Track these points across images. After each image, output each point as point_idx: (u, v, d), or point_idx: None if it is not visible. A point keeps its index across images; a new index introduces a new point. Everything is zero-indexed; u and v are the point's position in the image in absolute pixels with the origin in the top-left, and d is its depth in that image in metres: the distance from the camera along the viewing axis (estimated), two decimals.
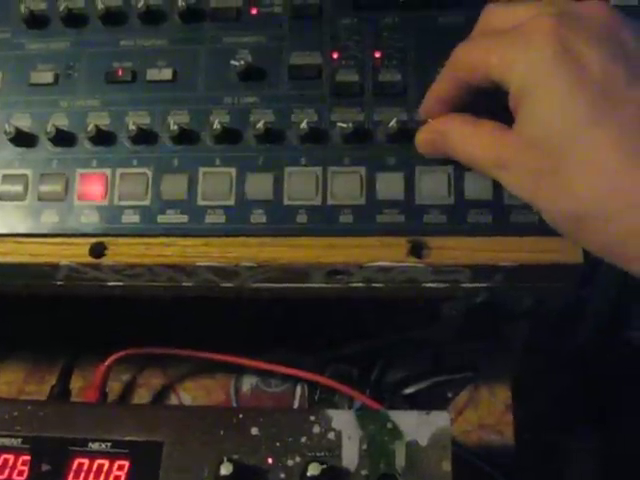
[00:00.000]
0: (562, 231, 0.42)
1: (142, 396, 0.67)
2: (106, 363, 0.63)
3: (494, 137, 0.43)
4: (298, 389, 0.67)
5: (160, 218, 0.50)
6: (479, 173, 0.46)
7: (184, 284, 0.51)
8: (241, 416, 0.54)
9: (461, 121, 0.45)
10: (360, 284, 0.50)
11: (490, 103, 0.44)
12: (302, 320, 0.68)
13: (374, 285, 0.50)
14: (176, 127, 0.49)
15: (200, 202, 0.49)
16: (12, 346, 0.70)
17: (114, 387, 0.66)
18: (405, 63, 0.50)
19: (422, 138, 0.48)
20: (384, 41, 0.50)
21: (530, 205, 0.43)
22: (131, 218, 0.50)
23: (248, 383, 0.67)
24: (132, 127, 0.50)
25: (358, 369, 0.67)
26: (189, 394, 0.67)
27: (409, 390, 0.66)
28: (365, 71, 0.50)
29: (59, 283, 0.52)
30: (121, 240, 0.50)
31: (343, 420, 0.53)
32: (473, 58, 0.43)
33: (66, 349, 0.68)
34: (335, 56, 0.51)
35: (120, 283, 0.51)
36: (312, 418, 0.54)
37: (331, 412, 0.54)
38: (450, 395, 0.66)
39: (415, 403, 0.65)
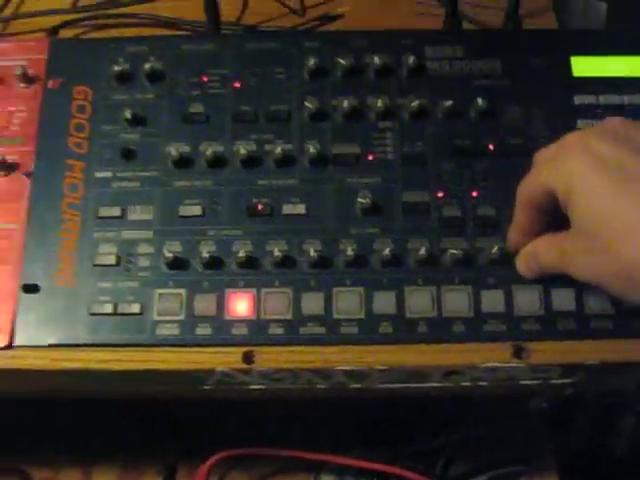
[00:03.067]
0: (620, 293, 0.58)
1: None
2: (208, 463, 0.75)
3: (557, 239, 0.61)
4: None
5: (302, 330, 0.64)
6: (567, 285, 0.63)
7: (318, 386, 0.65)
8: None
9: (541, 239, 0.62)
10: (468, 383, 0.65)
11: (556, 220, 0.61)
12: (367, 420, 0.82)
13: (479, 383, 0.65)
14: (315, 254, 0.64)
15: (335, 316, 0.64)
16: (102, 450, 0.81)
17: None
18: (498, 200, 0.66)
19: (520, 264, 0.64)
20: (479, 182, 0.67)
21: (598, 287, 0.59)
22: (276, 330, 0.64)
23: None
24: (277, 254, 0.64)
25: (422, 465, 0.81)
26: None
27: None
28: (466, 207, 0.66)
29: (207, 388, 0.65)
30: (268, 349, 0.64)
31: None
32: (531, 183, 0.61)
33: (155, 451, 0.80)
34: (440, 195, 0.67)
35: (263, 386, 0.65)
36: None
37: None
38: None
39: None
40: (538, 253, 0.63)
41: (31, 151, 0.71)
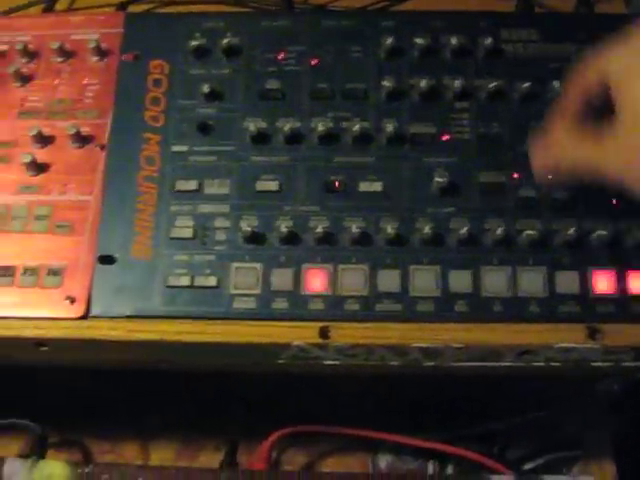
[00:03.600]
0: None
1: None
2: (270, 439, 0.76)
3: (593, 133, 0.59)
4: (430, 466, 0.81)
5: (378, 306, 0.65)
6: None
7: (392, 363, 0.66)
8: None
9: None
10: (541, 363, 0.66)
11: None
12: (427, 401, 0.83)
13: (552, 364, 0.66)
14: (392, 231, 0.65)
15: (411, 293, 0.65)
16: (160, 424, 0.82)
17: None
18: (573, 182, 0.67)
19: (537, 154, 0.64)
20: None
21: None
22: (352, 306, 0.65)
23: (384, 460, 0.81)
24: (355, 230, 0.65)
25: (480, 447, 0.82)
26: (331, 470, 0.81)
27: (529, 466, 0.81)
28: (541, 189, 0.67)
29: (282, 362, 0.66)
30: (344, 324, 0.64)
31: None
32: (587, 66, 0.60)
33: (213, 426, 0.81)
34: (515, 176, 0.67)
35: (337, 362, 0.66)
36: None
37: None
38: (565, 470, 0.81)
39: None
40: (564, 144, 0.62)
41: (105, 124, 0.72)
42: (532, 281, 0.65)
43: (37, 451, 0.75)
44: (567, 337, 0.64)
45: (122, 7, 0.80)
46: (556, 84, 0.69)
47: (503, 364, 0.65)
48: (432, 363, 0.65)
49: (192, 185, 0.67)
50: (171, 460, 0.81)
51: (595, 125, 0.60)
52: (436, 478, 0.80)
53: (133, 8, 0.81)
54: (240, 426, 0.81)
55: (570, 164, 0.61)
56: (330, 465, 0.81)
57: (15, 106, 0.74)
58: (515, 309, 0.64)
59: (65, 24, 0.77)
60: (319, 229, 0.65)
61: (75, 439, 0.82)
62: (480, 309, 0.64)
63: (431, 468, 0.81)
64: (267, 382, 0.80)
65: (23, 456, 0.74)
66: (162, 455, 0.82)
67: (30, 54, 0.75)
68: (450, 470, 0.80)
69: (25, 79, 0.74)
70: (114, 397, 0.82)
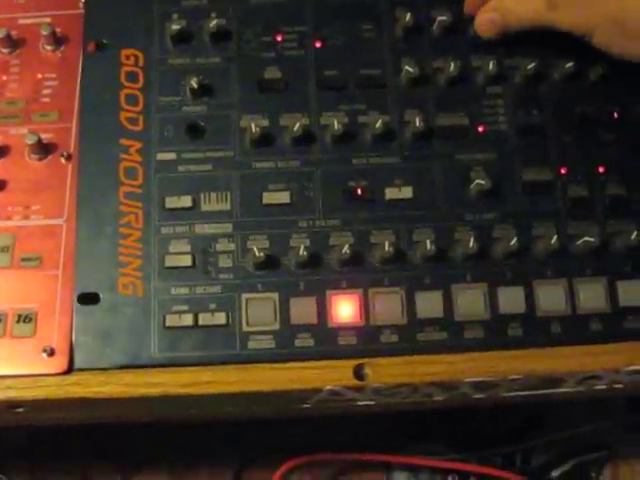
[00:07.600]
0: (606, 42, 0.53)
1: None
2: (280, 470, 0.63)
3: None
4: None
5: (419, 336, 0.52)
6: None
7: (435, 399, 0.53)
8: None
9: None
10: (603, 387, 0.54)
11: None
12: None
13: (615, 386, 0.54)
14: (431, 246, 0.51)
15: (457, 318, 0.52)
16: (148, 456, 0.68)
17: None
18: (627, 176, 0.54)
19: (481, 19, 0.55)
20: (607, 155, 0.55)
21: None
22: (390, 338, 0.51)
23: (400, 478, 0.69)
24: (388, 248, 0.51)
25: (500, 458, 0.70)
26: None
27: (555, 473, 0.70)
28: (594, 185, 0.54)
29: (306, 406, 0.53)
30: (382, 361, 0.51)
31: None
32: None
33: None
34: (563, 171, 0.54)
35: (371, 402, 0.53)
36: None
37: None
38: (593, 474, 0.70)
39: None
40: (511, 6, 0.55)
41: (68, 128, 0.57)
42: (592, 294, 0.53)
43: None
44: (636, 358, 0.52)
45: None
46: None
47: (560, 390, 0.53)
48: (482, 396, 0.53)
49: (186, 201, 0.53)
50: None
51: None
52: None
53: None
54: (238, 455, 0.68)
55: (518, 24, 0.55)
56: None
57: None
58: (575, 329, 0.52)
59: (7, 5, 0.60)
60: (345, 248, 0.51)
61: None
62: (536, 332, 0.52)
63: None
64: None
65: None
66: None
67: None
68: None
69: None
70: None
